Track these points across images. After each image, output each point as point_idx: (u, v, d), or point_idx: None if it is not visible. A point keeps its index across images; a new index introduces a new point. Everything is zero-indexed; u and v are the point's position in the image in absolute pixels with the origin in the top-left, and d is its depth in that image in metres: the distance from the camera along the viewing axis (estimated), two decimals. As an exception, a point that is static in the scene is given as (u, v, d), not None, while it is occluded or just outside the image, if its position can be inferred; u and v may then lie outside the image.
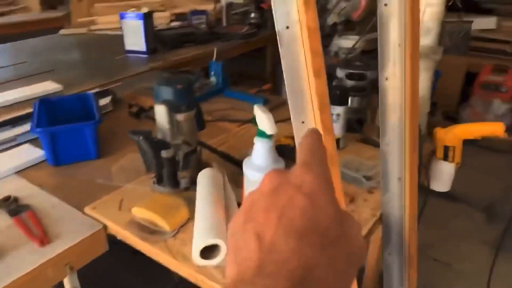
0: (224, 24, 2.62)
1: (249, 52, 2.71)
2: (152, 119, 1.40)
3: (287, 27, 0.57)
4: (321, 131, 0.60)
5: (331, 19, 2.55)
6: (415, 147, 0.86)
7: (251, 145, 0.82)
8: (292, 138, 1.23)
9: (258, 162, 0.80)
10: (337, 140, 1.20)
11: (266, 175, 0.29)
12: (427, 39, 1.20)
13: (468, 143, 1.19)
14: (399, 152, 0.87)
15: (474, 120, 3.07)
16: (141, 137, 0.88)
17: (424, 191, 1.30)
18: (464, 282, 1.92)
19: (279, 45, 0.59)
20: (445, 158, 1.19)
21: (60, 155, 1.10)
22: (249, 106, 1.57)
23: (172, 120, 0.93)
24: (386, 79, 0.82)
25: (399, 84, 0.81)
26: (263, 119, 0.77)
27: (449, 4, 1.11)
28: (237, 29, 2.53)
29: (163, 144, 0.93)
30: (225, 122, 1.39)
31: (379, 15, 0.79)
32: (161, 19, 2.45)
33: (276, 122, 0.80)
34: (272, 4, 0.58)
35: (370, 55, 1.61)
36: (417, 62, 0.80)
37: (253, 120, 0.80)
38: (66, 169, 1.11)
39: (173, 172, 0.98)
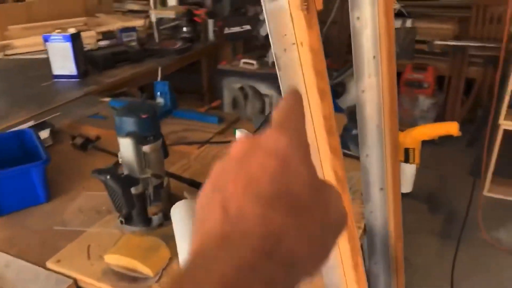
0: (156, 40, 2.52)
1: (183, 67, 2.64)
2: (101, 150, 1.29)
3: (285, 50, 0.54)
4: (329, 155, 0.57)
5: (264, 29, 2.57)
6: (396, 157, 0.87)
7: None
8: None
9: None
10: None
11: (235, 141, 0.26)
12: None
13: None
14: (380, 163, 0.86)
15: (404, 117, 3.26)
16: (108, 176, 0.79)
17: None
18: (423, 275, 2.00)
19: (276, 68, 0.55)
20: (406, 160, 1.22)
21: (3, 202, 0.97)
22: (203, 126, 1.51)
23: (139, 153, 0.85)
24: (363, 91, 0.82)
25: (376, 96, 0.81)
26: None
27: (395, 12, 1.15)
28: (170, 44, 2.44)
29: (132, 180, 0.85)
30: (182, 145, 1.32)
31: (352, 29, 0.78)
32: (88, 39, 2.30)
33: None
34: (267, 27, 0.54)
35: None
36: (393, 73, 0.80)
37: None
38: (13, 218, 0.97)
39: (144, 209, 0.90)
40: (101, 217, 0.95)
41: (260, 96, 2.48)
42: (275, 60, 0.55)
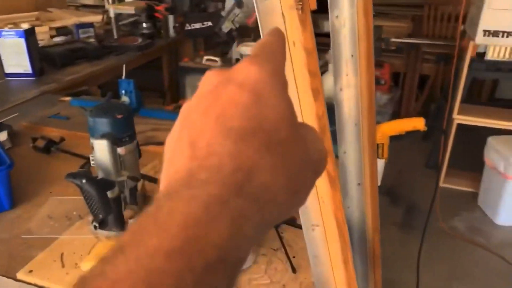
0: (115, 36, 2.44)
1: (142, 64, 2.57)
2: (66, 152, 1.23)
3: (276, 49, 0.53)
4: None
5: (226, 26, 2.55)
6: (374, 153, 0.88)
7: None
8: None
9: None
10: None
11: (205, 75, 0.24)
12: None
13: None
14: (357, 159, 0.88)
15: (362, 112, 3.35)
16: (84, 180, 0.75)
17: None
18: (388, 265, 2.07)
19: (268, 68, 0.54)
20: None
21: (-37, 212, 0.90)
22: (171, 124, 1.48)
23: (115, 155, 0.82)
24: (341, 89, 0.83)
25: (354, 95, 0.83)
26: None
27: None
28: (130, 40, 2.37)
29: (108, 183, 0.82)
30: (151, 145, 1.28)
31: (331, 27, 0.78)
32: (41, 35, 2.18)
33: None
34: (259, 23, 0.53)
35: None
36: (372, 71, 0.82)
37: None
38: (-26, 228, 0.90)
39: (120, 213, 0.87)
40: (72, 223, 0.91)
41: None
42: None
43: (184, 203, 0.19)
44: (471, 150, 2.85)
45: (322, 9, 0.69)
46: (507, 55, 2.28)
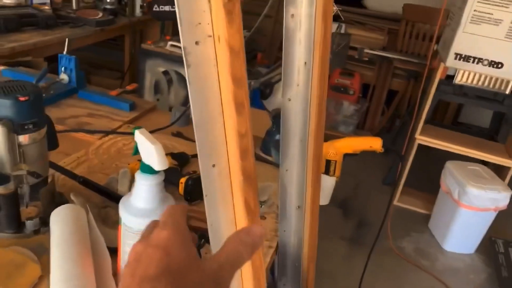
0: (74, 7, 2.25)
1: (104, 41, 2.40)
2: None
3: (197, 43, 0.42)
4: (240, 182, 0.46)
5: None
6: (318, 175, 0.79)
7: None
8: (174, 155, 1.07)
9: (141, 205, 0.63)
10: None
11: (132, 248, 0.35)
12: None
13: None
14: (300, 180, 0.78)
15: (327, 120, 3.28)
16: (-36, 172, 0.62)
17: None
18: (330, 281, 2.00)
19: (185, 65, 0.43)
20: (326, 172, 1.17)
21: None
22: (112, 112, 1.34)
23: (12, 144, 0.68)
24: (289, 99, 0.72)
25: (303, 107, 0.73)
26: (150, 151, 0.59)
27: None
28: (90, 14, 2.19)
29: (1, 177, 0.68)
30: (82, 133, 1.14)
31: (285, 28, 0.68)
32: (-12, -6, 1.98)
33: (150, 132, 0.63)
34: (176, 9, 0.42)
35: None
36: (325, 83, 0.72)
37: (134, 149, 0.62)
38: None
39: (16, 212, 0.73)
40: (-40, 217, 0.77)
41: (186, 83, 2.33)
42: (183, 56, 0.43)
43: None
44: (429, 171, 2.84)
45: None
46: (475, 81, 2.26)
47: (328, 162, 1.15)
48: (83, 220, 0.76)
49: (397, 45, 3.38)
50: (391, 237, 2.24)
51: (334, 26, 1.69)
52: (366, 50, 3.19)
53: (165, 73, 2.32)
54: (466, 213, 2.10)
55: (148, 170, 0.61)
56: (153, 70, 2.35)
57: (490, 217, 2.12)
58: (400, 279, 2.07)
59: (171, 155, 1.02)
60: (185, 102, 2.40)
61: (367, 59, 3.28)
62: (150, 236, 0.35)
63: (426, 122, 2.45)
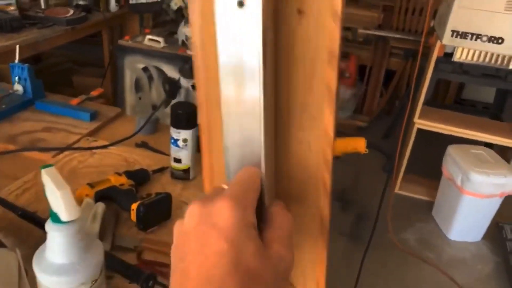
0: (43, 6, 2.12)
1: (82, 39, 2.27)
2: None
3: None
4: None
5: (175, 2, 2.27)
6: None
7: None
8: (130, 174, 0.96)
9: (56, 260, 0.52)
10: (187, 170, 0.97)
11: (188, 208, 0.31)
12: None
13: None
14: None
15: (323, 106, 3.15)
16: None
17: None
18: (330, 281, 1.91)
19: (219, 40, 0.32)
20: (308, 178, 1.05)
21: None
22: (71, 123, 1.22)
23: None
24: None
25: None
26: (57, 197, 0.48)
27: None
28: (59, 12, 2.07)
29: None
30: (36, 151, 1.03)
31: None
32: None
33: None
34: None
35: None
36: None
37: (44, 193, 0.51)
38: None
39: None
40: None
41: (167, 79, 2.20)
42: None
43: None
44: (432, 154, 2.71)
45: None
46: (475, 58, 2.11)
47: (308, 168, 1.04)
48: (12, 265, 0.65)
49: (392, 23, 3.21)
50: (393, 229, 2.13)
51: None
52: (360, 30, 3.03)
53: (145, 69, 2.20)
54: (470, 200, 1.98)
55: (58, 218, 0.50)
56: (132, 67, 2.23)
57: (496, 203, 1.99)
58: (404, 275, 1.96)
59: (126, 174, 0.91)
60: (169, 96, 2.28)
61: (362, 39, 3.13)
62: (212, 206, 0.30)
63: (426, 103, 2.31)
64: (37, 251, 0.54)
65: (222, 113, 0.34)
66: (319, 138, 0.40)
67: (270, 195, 0.35)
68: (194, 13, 0.37)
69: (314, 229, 0.44)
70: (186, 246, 0.29)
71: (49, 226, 0.51)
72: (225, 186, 0.32)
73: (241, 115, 0.33)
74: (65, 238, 0.51)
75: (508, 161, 2.09)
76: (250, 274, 0.28)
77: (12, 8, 1.97)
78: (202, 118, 0.40)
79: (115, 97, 2.41)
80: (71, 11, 2.09)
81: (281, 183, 0.41)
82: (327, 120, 0.38)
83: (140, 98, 2.26)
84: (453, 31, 1.95)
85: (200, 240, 0.29)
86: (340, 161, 2.73)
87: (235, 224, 0.28)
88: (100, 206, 0.79)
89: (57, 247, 0.51)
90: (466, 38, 1.95)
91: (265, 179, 0.34)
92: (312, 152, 0.40)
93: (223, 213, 0.29)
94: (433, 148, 2.72)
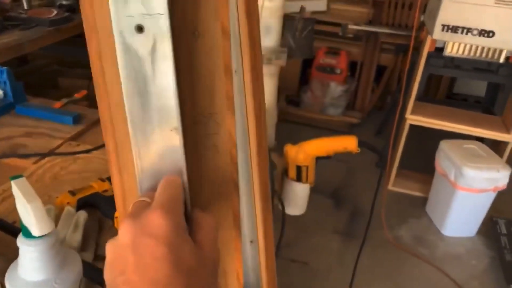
0: (26, 7, 2.07)
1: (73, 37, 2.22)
2: None
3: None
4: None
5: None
6: (268, 205, 0.65)
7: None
8: (111, 180, 0.92)
9: (26, 276, 0.48)
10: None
11: (121, 225, 0.31)
12: (268, 40, 1.00)
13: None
14: (249, 210, 0.64)
15: (314, 103, 3.13)
16: None
17: (280, 216, 1.14)
18: (322, 280, 1.89)
19: None
20: (298, 179, 1.02)
21: None
22: (53, 128, 1.17)
23: None
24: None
25: (239, 124, 0.58)
26: (27, 211, 0.45)
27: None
28: (43, 13, 2.02)
29: None
30: (14, 158, 0.99)
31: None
32: None
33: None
34: None
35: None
36: (260, 89, 0.57)
37: (17, 207, 0.48)
38: None
39: None
40: None
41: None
42: None
43: None
44: (425, 149, 2.70)
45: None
46: (466, 52, 2.10)
47: (299, 168, 1.01)
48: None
49: (382, 18, 3.19)
50: (387, 227, 2.11)
51: (296, 7, 1.49)
52: (350, 26, 3.00)
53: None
54: (463, 195, 1.97)
55: (30, 233, 0.47)
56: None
57: (490, 197, 1.98)
58: (399, 272, 1.95)
59: (109, 179, 0.87)
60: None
61: (352, 35, 3.10)
62: (145, 220, 0.31)
63: (418, 98, 2.29)
64: (10, 268, 0.51)
65: (131, 133, 0.36)
66: (225, 141, 0.45)
67: (191, 200, 0.38)
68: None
69: (229, 224, 0.49)
70: (124, 259, 0.30)
71: (20, 241, 0.48)
72: (146, 199, 0.34)
73: (153, 132, 0.36)
74: (38, 253, 0.48)
75: (500, 155, 2.08)
76: (191, 272, 0.30)
77: (-7, 9, 1.91)
78: (108, 139, 0.41)
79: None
80: (55, 12, 2.03)
81: (195, 186, 0.43)
82: (230, 124, 0.45)
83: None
84: (443, 26, 1.93)
85: (139, 251, 0.30)
86: (332, 158, 2.70)
87: (170, 230, 0.30)
88: (82, 215, 0.76)
89: (30, 264, 0.48)
90: (457, 32, 1.93)
91: (187, 186, 0.37)
92: (220, 154, 0.45)
93: (157, 222, 0.30)
94: (425, 143, 2.71)
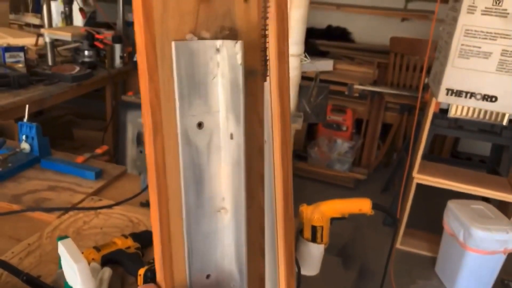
0: (50, 63, 2.19)
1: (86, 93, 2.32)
2: None
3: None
4: None
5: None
6: (292, 270, 0.67)
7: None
8: (135, 236, 0.95)
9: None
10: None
11: None
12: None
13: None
14: (272, 271, 0.67)
15: (321, 159, 3.18)
16: None
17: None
18: None
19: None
20: (313, 239, 1.05)
21: None
22: (76, 182, 1.22)
23: None
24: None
25: (267, 194, 0.62)
26: (73, 270, 0.48)
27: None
28: (66, 69, 2.13)
29: None
30: (39, 212, 1.03)
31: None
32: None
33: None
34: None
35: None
36: (289, 163, 0.62)
37: (59, 263, 0.51)
38: None
39: None
40: None
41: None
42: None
43: None
44: (431, 208, 2.70)
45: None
46: (470, 114, 2.17)
47: (314, 228, 1.03)
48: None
49: (387, 78, 3.31)
50: (396, 286, 2.08)
51: (306, 67, 1.59)
52: (356, 86, 3.12)
53: (147, 124, 2.23)
54: (473, 257, 1.96)
55: (73, 293, 0.50)
56: (135, 121, 2.26)
57: (500, 259, 1.97)
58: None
59: (132, 236, 0.90)
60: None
61: (357, 94, 3.21)
62: None
63: (423, 157, 2.34)
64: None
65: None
66: (256, 213, 0.53)
67: None
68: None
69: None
70: None
71: (63, 300, 0.50)
72: None
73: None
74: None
75: (508, 216, 2.09)
76: None
77: (20, 65, 2.02)
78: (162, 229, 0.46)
79: (116, 151, 2.42)
80: (77, 68, 2.15)
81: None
82: (261, 198, 0.54)
83: (141, 152, 2.27)
84: (447, 90, 2.02)
85: None
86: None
87: None
88: (107, 271, 0.78)
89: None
90: (461, 96, 2.01)
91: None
92: (250, 227, 0.51)
93: None
94: (432, 202, 2.72)
